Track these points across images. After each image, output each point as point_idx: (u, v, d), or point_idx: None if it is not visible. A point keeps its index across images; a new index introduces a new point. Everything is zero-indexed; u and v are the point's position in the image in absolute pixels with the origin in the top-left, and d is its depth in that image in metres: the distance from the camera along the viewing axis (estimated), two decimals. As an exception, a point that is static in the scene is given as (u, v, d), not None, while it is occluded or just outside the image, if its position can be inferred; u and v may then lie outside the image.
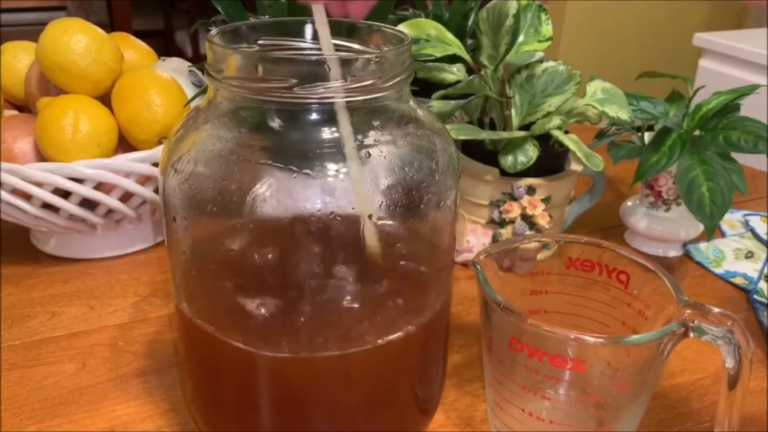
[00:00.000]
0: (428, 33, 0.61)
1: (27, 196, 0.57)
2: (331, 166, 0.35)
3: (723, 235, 0.73)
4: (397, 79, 0.36)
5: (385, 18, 0.61)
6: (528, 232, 0.61)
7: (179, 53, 2.62)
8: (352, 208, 0.35)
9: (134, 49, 0.67)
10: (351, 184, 0.35)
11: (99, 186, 0.58)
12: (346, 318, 0.37)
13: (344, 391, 0.39)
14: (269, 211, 0.35)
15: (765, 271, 0.65)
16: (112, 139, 0.60)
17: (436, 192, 0.38)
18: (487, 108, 0.62)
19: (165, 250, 0.42)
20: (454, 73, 0.60)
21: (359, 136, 0.36)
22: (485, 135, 0.57)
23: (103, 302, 0.59)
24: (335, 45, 0.40)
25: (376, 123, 0.37)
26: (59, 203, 0.57)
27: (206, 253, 0.39)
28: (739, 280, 0.64)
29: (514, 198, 0.60)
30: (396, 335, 0.38)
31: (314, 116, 0.35)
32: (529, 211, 0.60)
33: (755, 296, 0.61)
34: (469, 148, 0.62)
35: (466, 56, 0.61)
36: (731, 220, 0.76)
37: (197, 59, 2.31)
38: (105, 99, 0.61)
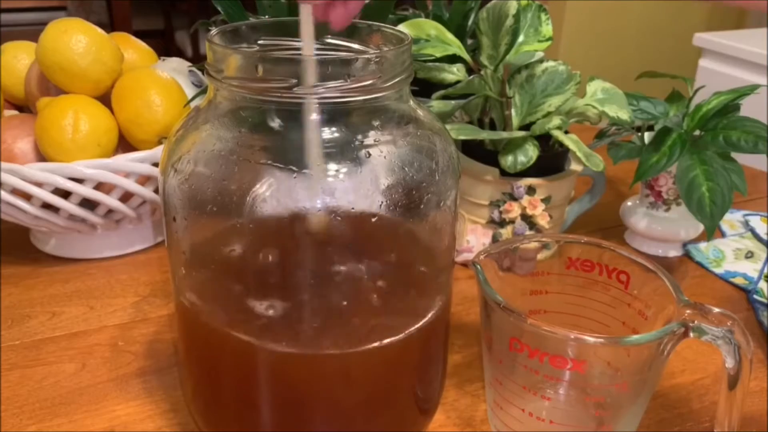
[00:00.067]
0: (428, 33, 0.61)
1: (27, 196, 0.57)
2: (331, 166, 0.35)
3: (723, 235, 0.73)
4: (397, 79, 0.36)
5: (385, 18, 0.61)
6: (528, 232, 0.61)
7: (179, 53, 2.62)
8: (352, 208, 0.35)
9: (134, 49, 0.67)
10: (310, 183, 0.35)
11: (99, 186, 0.58)
12: (346, 318, 0.37)
13: (344, 390, 0.39)
14: (269, 211, 0.35)
15: (765, 271, 0.65)
16: (112, 139, 0.60)
17: (436, 192, 0.38)
18: (487, 108, 0.62)
19: (165, 250, 0.42)
20: (454, 73, 0.60)
21: (359, 136, 0.36)
22: (485, 135, 0.57)
23: (103, 302, 0.59)
24: (335, 45, 0.40)
25: (376, 123, 0.37)
26: (59, 203, 0.57)
27: (206, 253, 0.39)
28: (739, 280, 0.64)
29: (514, 198, 0.60)
30: (396, 335, 0.38)
31: (314, 116, 0.35)
32: (529, 211, 0.60)
33: (755, 296, 0.61)
34: (469, 148, 0.62)
35: (466, 56, 0.61)
36: (731, 220, 0.76)
37: (197, 59, 2.32)
38: (105, 99, 0.61)
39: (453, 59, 0.61)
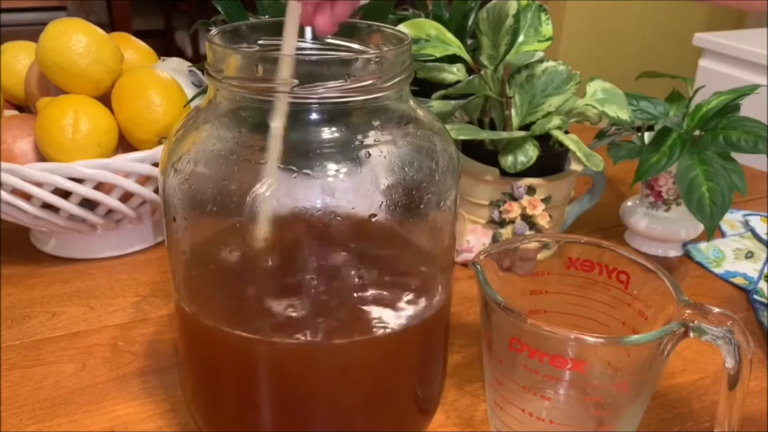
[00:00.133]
0: (428, 33, 0.61)
1: (27, 196, 0.57)
2: (331, 166, 0.35)
3: (723, 235, 0.73)
4: (397, 79, 0.36)
5: (385, 18, 0.61)
6: (528, 232, 0.61)
7: (179, 53, 2.62)
8: (352, 208, 0.35)
9: (134, 49, 0.67)
10: (267, 181, 0.35)
11: (99, 186, 0.58)
12: (346, 318, 0.37)
13: (344, 390, 0.39)
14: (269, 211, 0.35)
15: (765, 271, 0.65)
16: (112, 139, 0.60)
17: (436, 192, 0.38)
18: (487, 108, 0.62)
19: (165, 250, 0.42)
20: (454, 73, 0.60)
21: (359, 136, 0.36)
22: (485, 135, 0.57)
23: (103, 302, 0.59)
24: (336, 45, 0.40)
25: (376, 123, 0.37)
26: (59, 203, 0.57)
27: (206, 253, 0.39)
28: (739, 280, 0.64)
29: (514, 198, 0.60)
30: (396, 335, 0.38)
31: (314, 116, 0.35)
32: (529, 211, 0.60)
33: (755, 296, 0.61)
34: (469, 148, 0.62)
35: (466, 56, 0.61)
36: (731, 220, 0.76)
37: (197, 59, 2.31)
38: (105, 99, 0.61)
39: (453, 59, 0.61)
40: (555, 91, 0.58)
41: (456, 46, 0.60)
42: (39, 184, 0.56)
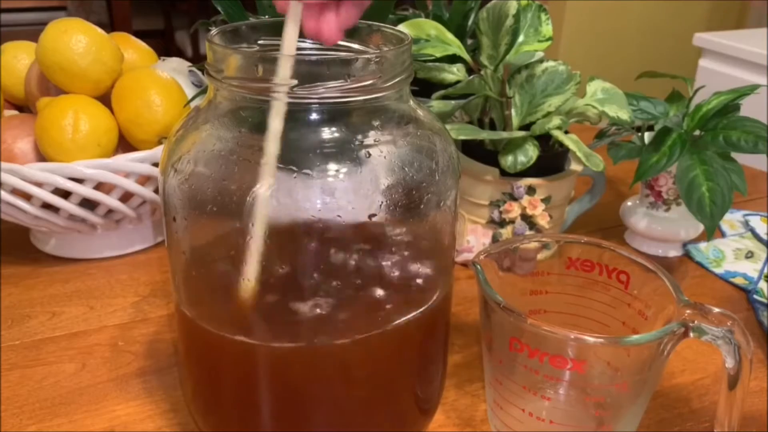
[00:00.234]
0: (428, 33, 0.61)
1: (27, 196, 0.57)
2: (331, 166, 0.35)
3: (723, 235, 0.73)
4: (397, 79, 0.36)
5: (385, 18, 0.61)
6: (528, 232, 0.61)
7: (179, 53, 2.62)
8: (352, 208, 0.35)
9: (134, 49, 0.67)
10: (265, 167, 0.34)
11: (99, 186, 0.58)
12: (346, 318, 0.37)
13: (344, 390, 0.39)
14: (269, 211, 0.35)
15: (765, 271, 0.65)
16: (112, 139, 0.60)
17: (436, 192, 0.38)
18: (487, 108, 0.62)
19: (165, 250, 0.42)
20: (454, 73, 0.60)
21: (359, 136, 0.36)
22: (485, 135, 0.57)
23: (103, 302, 0.59)
24: (336, 45, 0.40)
25: (376, 123, 0.37)
26: (59, 203, 0.57)
27: (206, 253, 0.39)
28: (739, 280, 0.64)
29: (514, 198, 0.60)
30: (396, 335, 0.38)
31: (314, 116, 0.35)
32: (529, 211, 0.60)
33: (755, 296, 0.61)
34: (469, 148, 0.62)
35: (466, 56, 0.61)
36: (731, 220, 0.76)
37: (197, 59, 2.32)
38: (105, 99, 0.61)
39: (453, 59, 0.61)
40: (555, 91, 0.58)
41: (456, 46, 0.60)
42: (39, 184, 0.56)
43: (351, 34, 0.41)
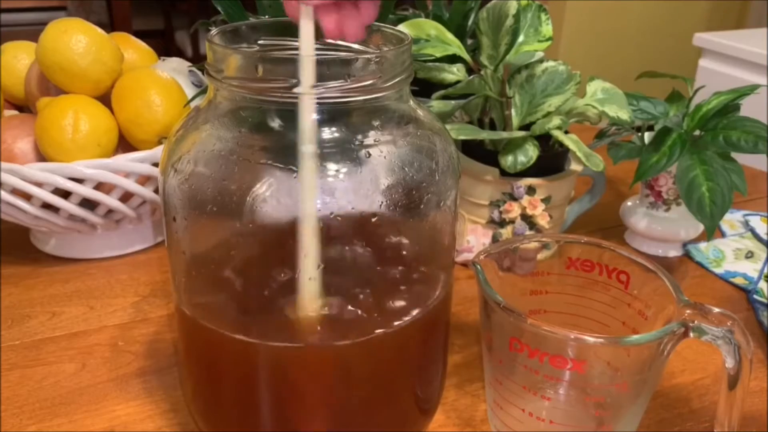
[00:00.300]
0: (428, 33, 0.61)
1: (27, 196, 0.57)
2: (331, 166, 0.35)
3: (723, 235, 0.73)
4: (397, 79, 0.36)
5: (385, 18, 0.61)
6: (528, 232, 0.61)
7: (179, 53, 2.62)
8: (352, 208, 0.35)
9: (134, 49, 0.67)
10: (301, 184, 0.34)
11: (99, 186, 0.58)
12: (346, 318, 0.37)
13: (344, 390, 0.39)
14: (269, 211, 0.35)
15: (765, 271, 0.65)
16: (112, 139, 0.60)
17: (436, 192, 0.38)
18: (487, 108, 0.62)
19: (165, 250, 0.42)
20: (454, 73, 0.60)
21: (359, 136, 0.36)
22: (485, 135, 0.57)
23: (103, 302, 0.59)
24: (335, 45, 0.40)
25: (376, 123, 0.37)
26: (59, 203, 0.57)
27: (206, 252, 0.39)
28: (739, 280, 0.64)
29: (514, 198, 0.60)
30: (396, 335, 0.38)
31: (314, 116, 0.35)
32: (529, 211, 0.60)
33: (755, 296, 0.61)
34: (469, 148, 0.62)
35: (466, 56, 0.61)
36: (731, 220, 0.76)
37: (197, 59, 2.32)
38: (105, 99, 0.61)
39: (453, 59, 0.61)
40: (555, 91, 0.58)
41: (456, 46, 0.60)
42: (39, 184, 0.56)
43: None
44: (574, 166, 0.61)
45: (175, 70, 0.67)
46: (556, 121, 0.56)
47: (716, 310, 0.37)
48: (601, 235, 0.71)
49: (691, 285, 0.64)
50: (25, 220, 0.60)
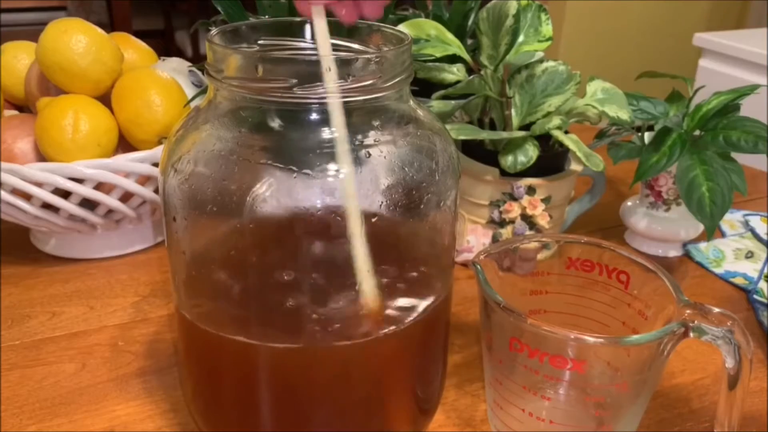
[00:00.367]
0: (428, 33, 0.61)
1: (27, 196, 0.57)
2: (331, 166, 0.35)
3: (723, 235, 0.73)
4: (397, 79, 0.36)
5: (385, 18, 0.61)
6: (528, 232, 0.61)
7: (179, 53, 2.62)
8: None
9: (134, 49, 0.67)
10: (343, 187, 0.35)
11: (99, 186, 0.58)
12: (346, 318, 0.37)
13: (344, 390, 0.39)
14: (269, 211, 0.35)
15: (765, 271, 0.65)
16: (112, 139, 0.60)
17: (436, 192, 0.38)
18: (487, 108, 0.62)
19: (165, 250, 0.42)
20: (454, 73, 0.60)
21: (359, 136, 0.36)
22: (485, 135, 0.57)
23: (103, 302, 0.59)
24: (335, 45, 0.40)
25: (376, 123, 0.37)
26: (59, 203, 0.57)
27: (206, 253, 0.39)
28: (739, 280, 0.64)
29: (514, 198, 0.60)
30: (396, 335, 0.38)
31: (314, 116, 0.35)
32: (529, 211, 0.60)
33: (755, 296, 0.61)
34: (469, 148, 0.62)
35: (466, 56, 0.61)
36: (731, 220, 0.76)
37: (197, 59, 2.32)
38: (105, 99, 0.61)
39: (453, 59, 0.61)
40: (555, 91, 0.58)
41: (456, 46, 0.60)
42: (39, 184, 0.56)
43: (351, 34, 0.41)
44: (574, 166, 0.61)
45: (175, 70, 0.67)
46: (556, 121, 0.56)
47: (716, 310, 0.37)
48: (601, 235, 0.71)
49: (691, 285, 0.64)
50: (25, 220, 0.60)
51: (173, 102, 0.61)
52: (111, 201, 0.59)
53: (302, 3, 0.35)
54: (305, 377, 0.38)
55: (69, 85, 0.60)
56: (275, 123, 0.36)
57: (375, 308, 0.37)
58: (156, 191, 0.61)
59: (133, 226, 0.65)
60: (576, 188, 0.66)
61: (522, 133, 0.57)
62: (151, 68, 0.63)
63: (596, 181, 0.67)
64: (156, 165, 0.59)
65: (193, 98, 0.62)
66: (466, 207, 0.62)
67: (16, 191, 0.57)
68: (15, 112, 0.66)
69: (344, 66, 0.34)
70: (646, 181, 0.67)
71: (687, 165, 0.58)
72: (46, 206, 0.58)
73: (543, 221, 0.60)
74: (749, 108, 0.66)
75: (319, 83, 0.33)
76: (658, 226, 0.67)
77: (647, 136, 0.64)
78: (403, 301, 0.39)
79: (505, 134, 0.57)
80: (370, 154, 0.36)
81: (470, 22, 0.68)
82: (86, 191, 0.57)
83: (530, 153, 0.57)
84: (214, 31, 0.38)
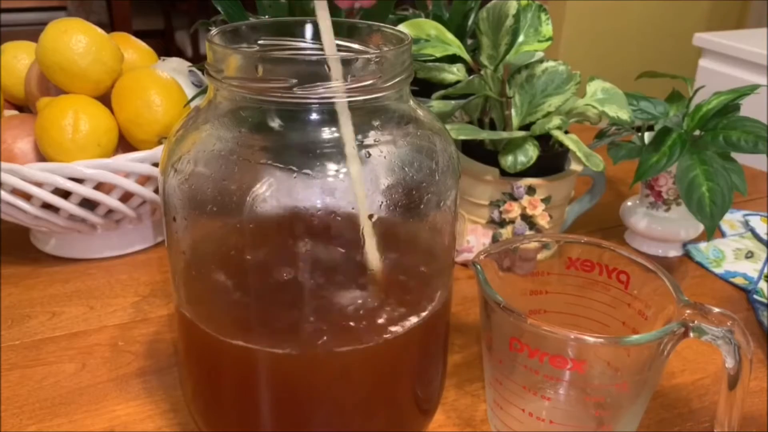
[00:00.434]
0: (428, 33, 0.61)
1: (27, 196, 0.57)
2: (331, 166, 0.35)
3: (723, 235, 0.73)
4: (397, 79, 0.36)
5: (385, 18, 0.61)
6: (528, 232, 0.61)
7: (179, 53, 2.62)
8: (352, 208, 0.35)
9: (134, 49, 0.67)
10: (352, 185, 0.35)
11: (99, 186, 0.58)
12: (345, 317, 0.37)
13: (344, 390, 0.39)
14: (269, 211, 0.35)
15: (765, 271, 0.65)
16: (112, 139, 0.60)
17: (436, 192, 0.38)
18: (487, 108, 0.62)
19: (165, 250, 0.42)
20: (454, 73, 0.60)
21: (359, 136, 0.36)
22: (485, 135, 0.57)
23: (103, 302, 0.59)
24: (336, 45, 0.40)
25: (376, 123, 0.37)
26: (59, 203, 0.57)
27: (206, 253, 0.39)
28: (739, 280, 0.64)
29: (514, 198, 0.60)
30: (396, 335, 0.38)
31: (314, 116, 0.35)
32: (529, 211, 0.60)
33: (755, 296, 0.61)
34: (469, 148, 0.62)
35: (466, 56, 0.61)
36: (731, 220, 0.76)
37: (197, 59, 2.32)
38: (105, 99, 0.61)
39: (453, 59, 0.61)
40: (555, 91, 0.58)
41: (456, 46, 0.60)
42: (39, 184, 0.56)
43: (351, 34, 0.41)
44: (574, 166, 0.61)
45: (175, 70, 0.67)
46: (556, 121, 0.56)
47: (716, 310, 0.37)
48: (601, 235, 0.71)
49: (691, 285, 0.64)
50: (25, 220, 0.60)
51: (173, 102, 0.61)
52: (111, 201, 0.59)
53: None
54: (305, 377, 0.38)
55: (69, 85, 0.60)
56: (275, 123, 0.36)
57: (374, 259, 0.36)
58: (156, 191, 0.61)
59: (133, 226, 0.65)
60: (576, 188, 0.66)
61: (522, 133, 0.57)
62: (151, 68, 0.63)
63: (596, 181, 0.67)
64: (156, 165, 0.59)
65: (193, 98, 0.62)
66: (466, 207, 0.62)
67: (16, 191, 0.57)
68: (15, 112, 0.66)
69: (344, 66, 0.34)
70: (646, 181, 0.67)
71: (687, 165, 0.58)
72: (46, 206, 0.58)
73: (543, 221, 0.60)
74: (749, 108, 0.66)
75: (319, 83, 0.33)
76: (658, 226, 0.67)
77: (647, 136, 0.64)
78: (403, 302, 0.39)
79: (505, 134, 0.57)
80: (370, 154, 0.36)
81: (470, 22, 0.68)
82: (86, 191, 0.57)
83: (530, 153, 0.57)
84: (214, 31, 0.38)
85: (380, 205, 0.36)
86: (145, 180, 0.60)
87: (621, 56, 2.02)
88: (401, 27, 0.60)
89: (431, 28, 0.61)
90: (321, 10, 0.35)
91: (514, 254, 0.44)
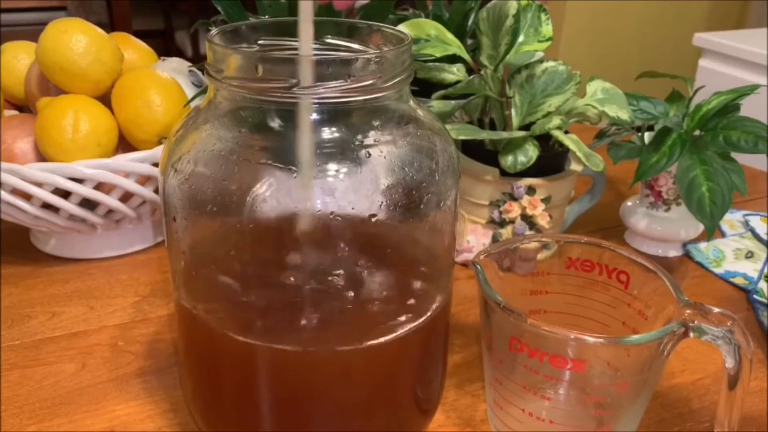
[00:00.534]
0: (428, 33, 0.61)
1: (27, 196, 0.57)
2: (331, 166, 0.35)
3: (723, 235, 0.73)
4: (397, 79, 0.36)
5: (385, 18, 0.61)
6: (528, 232, 0.61)
7: (179, 53, 2.62)
8: (352, 208, 0.35)
9: (134, 49, 0.67)
10: (301, 184, 0.35)
11: (99, 186, 0.58)
12: (345, 317, 0.37)
13: (344, 390, 0.39)
14: (269, 211, 0.35)
15: (765, 271, 0.65)
16: (112, 139, 0.60)
17: (436, 192, 0.38)
18: (487, 108, 0.62)
19: (165, 250, 0.42)
20: (454, 73, 0.60)
21: (359, 136, 0.36)
22: (485, 135, 0.57)
23: (103, 302, 0.59)
24: (335, 45, 0.40)
25: (376, 123, 0.37)
26: (59, 203, 0.57)
27: (206, 253, 0.39)
28: (739, 280, 0.64)
29: (514, 198, 0.60)
30: (396, 335, 0.38)
31: (314, 116, 0.35)
32: (529, 211, 0.60)
33: (755, 296, 0.61)
34: (469, 148, 0.62)
35: (466, 56, 0.61)
36: (731, 220, 0.76)
37: (197, 59, 2.32)
38: (105, 99, 0.61)
39: (453, 59, 0.61)
40: (555, 91, 0.58)
41: (456, 46, 0.60)
42: (39, 184, 0.56)
43: (351, 34, 0.41)
44: (574, 166, 0.61)
45: (175, 70, 0.67)
46: (556, 121, 0.56)
47: (716, 310, 0.37)
48: (601, 235, 0.71)
49: (691, 285, 0.64)
50: (25, 220, 0.60)
51: (173, 102, 0.61)
52: (111, 201, 0.59)
53: None
54: (305, 377, 0.38)
55: (69, 85, 0.60)
56: (275, 123, 0.36)
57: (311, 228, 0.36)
58: (156, 191, 0.61)
59: (133, 226, 0.65)
60: (576, 188, 0.66)
61: (522, 133, 0.57)
62: (151, 68, 0.63)
63: (596, 181, 0.67)
64: (156, 165, 0.59)
65: (193, 98, 0.62)
66: (466, 207, 0.62)
67: (16, 191, 0.57)
68: (15, 112, 0.66)
69: (344, 66, 0.34)
70: (646, 181, 0.67)
71: (687, 165, 0.58)
72: (46, 206, 0.58)
73: (543, 221, 0.60)
74: (749, 108, 0.66)
75: (319, 83, 0.33)
76: (658, 226, 0.67)
77: (647, 136, 0.64)
78: (402, 302, 0.39)
79: (505, 134, 0.57)
80: (370, 154, 0.36)
81: (470, 22, 0.68)
82: (86, 191, 0.57)
83: (530, 153, 0.57)
84: (214, 31, 0.38)
85: (380, 205, 0.36)
86: (145, 180, 0.60)
87: (621, 56, 2.02)
88: (401, 27, 0.60)
89: (431, 28, 0.61)
90: (305, 10, 0.35)
91: (514, 254, 0.44)
